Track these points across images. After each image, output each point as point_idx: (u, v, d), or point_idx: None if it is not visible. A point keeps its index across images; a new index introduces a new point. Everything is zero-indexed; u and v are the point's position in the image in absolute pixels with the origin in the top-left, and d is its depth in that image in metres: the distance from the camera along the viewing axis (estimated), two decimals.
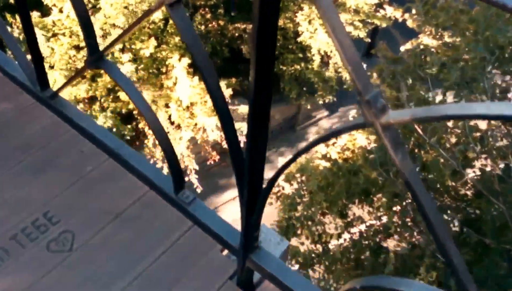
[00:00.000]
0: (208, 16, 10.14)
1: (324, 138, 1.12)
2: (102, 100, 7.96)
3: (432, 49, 8.10)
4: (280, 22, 10.47)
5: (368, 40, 11.56)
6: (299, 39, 10.57)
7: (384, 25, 10.99)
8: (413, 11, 8.60)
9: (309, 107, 12.21)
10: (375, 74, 8.10)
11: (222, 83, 9.23)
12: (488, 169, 7.55)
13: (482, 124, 7.83)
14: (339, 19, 0.83)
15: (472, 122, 7.80)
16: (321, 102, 11.42)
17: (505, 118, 0.68)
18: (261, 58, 1.07)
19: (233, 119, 1.36)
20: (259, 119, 1.22)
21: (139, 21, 1.29)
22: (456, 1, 8.13)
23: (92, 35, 1.47)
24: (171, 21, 9.50)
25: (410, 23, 8.50)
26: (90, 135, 1.73)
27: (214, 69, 1.26)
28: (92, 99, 8.14)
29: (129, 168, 1.67)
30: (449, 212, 7.41)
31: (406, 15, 8.56)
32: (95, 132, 1.73)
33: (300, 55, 10.97)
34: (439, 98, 7.88)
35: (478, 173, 7.80)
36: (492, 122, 7.69)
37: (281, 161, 8.62)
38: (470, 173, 7.91)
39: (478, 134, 7.66)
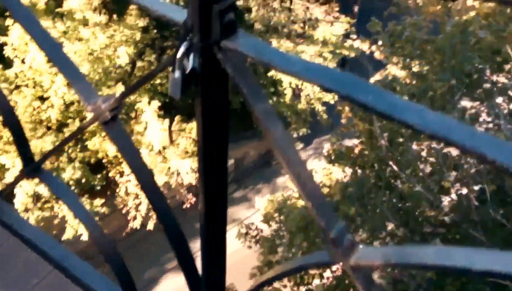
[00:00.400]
0: None
1: (288, 272, 1.01)
2: (69, 151, 7.73)
3: (401, 80, 8.16)
4: None
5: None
6: (269, 74, 10.59)
7: (352, 55, 11.08)
8: (380, 42, 8.67)
9: None
10: (347, 108, 8.09)
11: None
12: (464, 192, 7.56)
13: (456, 150, 7.84)
14: (294, 149, 0.76)
15: (445, 149, 7.82)
16: (295, 135, 11.40)
17: (491, 274, 0.58)
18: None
19: (188, 245, 1.22)
20: (214, 245, 1.09)
21: (74, 136, 1.17)
22: (420, 31, 8.21)
23: (25, 145, 1.33)
24: (138, 64, 9.39)
25: (377, 55, 8.56)
26: (33, 244, 1.57)
27: (163, 194, 1.12)
28: (59, 151, 7.90)
29: (76, 280, 1.50)
30: (428, 240, 7.34)
31: (373, 47, 8.63)
32: (38, 242, 1.56)
33: (272, 89, 10.98)
34: None
35: (455, 197, 7.81)
36: None
37: (258, 200, 8.47)
38: (448, 199, 7.91)
39: (452, 161, 7.68)
